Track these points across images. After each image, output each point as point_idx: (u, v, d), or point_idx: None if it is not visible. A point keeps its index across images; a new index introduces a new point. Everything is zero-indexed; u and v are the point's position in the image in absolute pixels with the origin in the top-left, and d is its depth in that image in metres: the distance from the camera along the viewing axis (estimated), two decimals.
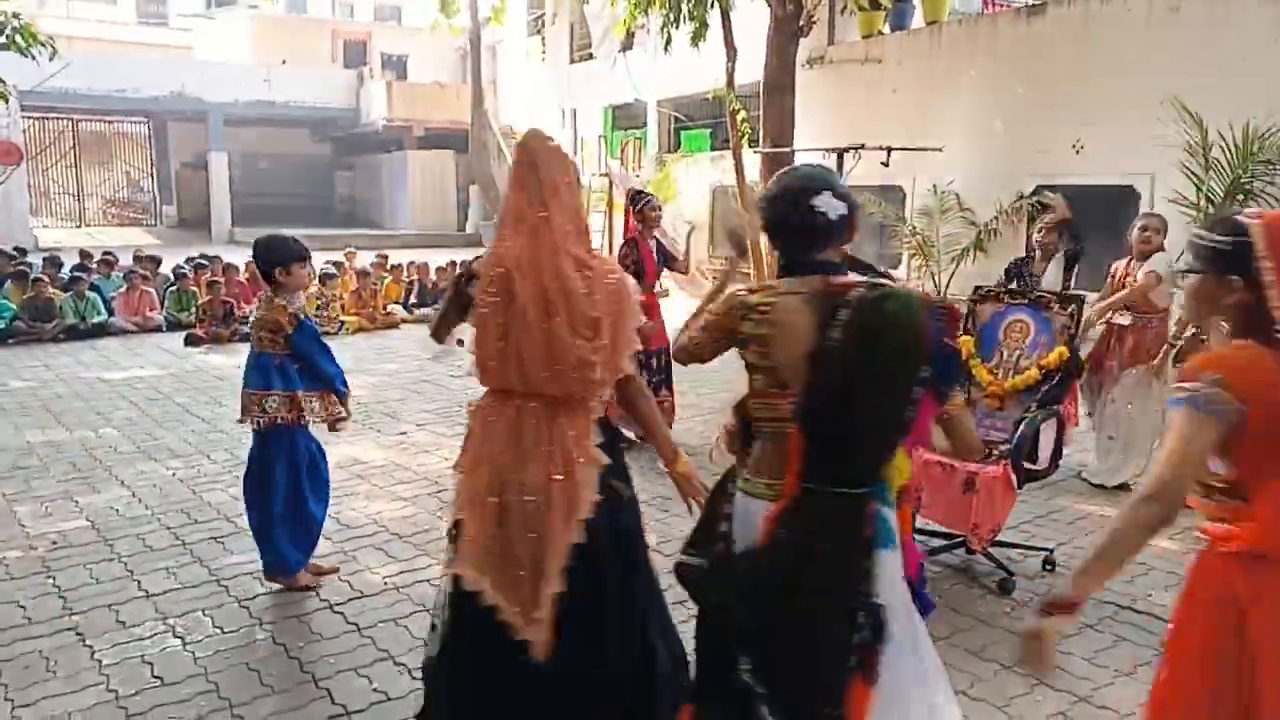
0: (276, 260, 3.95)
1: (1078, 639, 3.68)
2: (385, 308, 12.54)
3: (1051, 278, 5.54)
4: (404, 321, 12.45)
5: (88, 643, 3.62)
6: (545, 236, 2.49)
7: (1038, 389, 4.27)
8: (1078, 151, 11.25)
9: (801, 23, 13.73)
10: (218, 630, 3.73)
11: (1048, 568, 4.33)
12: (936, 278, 12.74)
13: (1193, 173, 9.16)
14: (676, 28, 15.51)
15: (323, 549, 4.55)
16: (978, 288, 4.79)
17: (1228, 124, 9.11)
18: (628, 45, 20.76)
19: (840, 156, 11.99)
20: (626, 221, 6.41)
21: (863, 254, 10.07)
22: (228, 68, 27.23)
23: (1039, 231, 5.90)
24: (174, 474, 5.84)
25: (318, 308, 11.60)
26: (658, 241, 6.56)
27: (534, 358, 2.45)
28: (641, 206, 6.44)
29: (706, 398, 7.78)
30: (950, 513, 4.10)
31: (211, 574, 4.31)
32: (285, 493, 4.04)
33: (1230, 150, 8.95)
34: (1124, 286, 5.58)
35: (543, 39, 25.08)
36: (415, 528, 4.87)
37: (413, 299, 13.07)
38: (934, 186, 12.87)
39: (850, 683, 2.08)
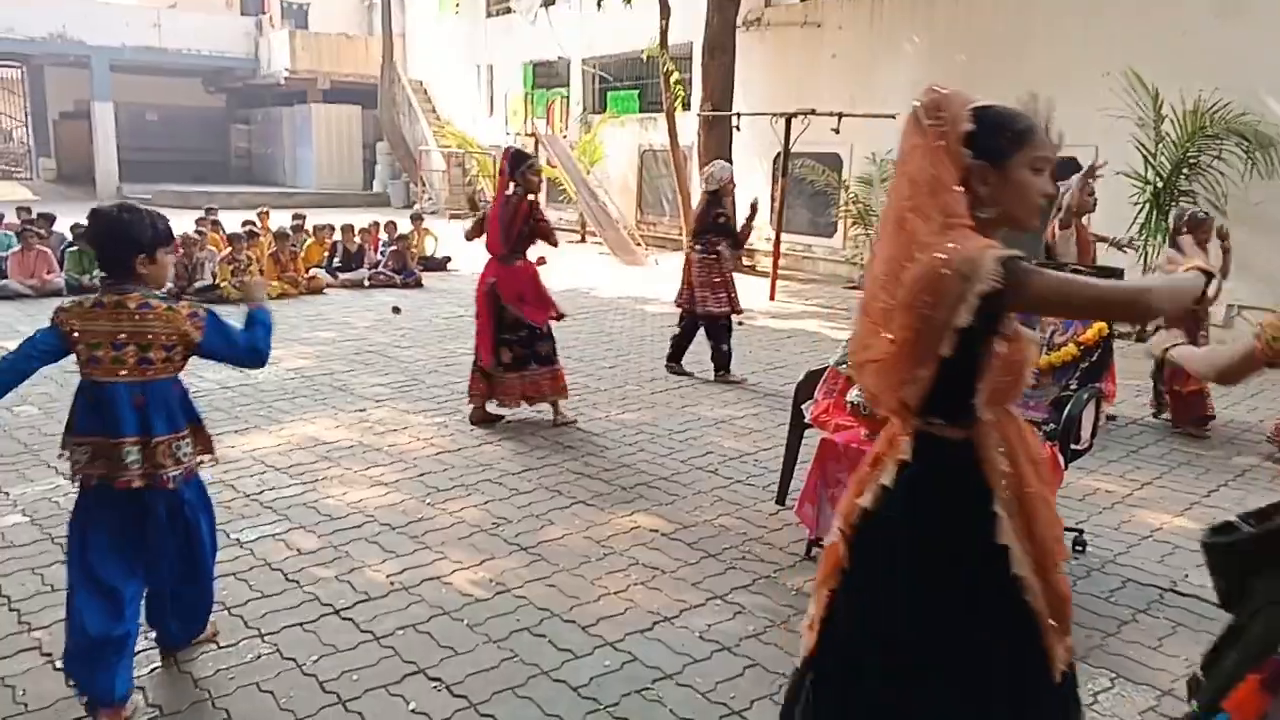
0: (135, 245, 2.78)
1: (1134, 627, 3.57)
2: (307, 271, 11.80)
3: None
4: (329, 286, 11.74)
5: (58, 666, 3.12)
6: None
7: (1075, 366, 4.13)
8: None
9: None
10: (212, 644, 3.28)
11: (1078, 549, 4.22)
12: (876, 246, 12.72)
13: (1143, 146, 9.27)
14: None
15: (309, 544, 4.11)
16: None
17: (1171, 97, 9.26)
18: (550, 0, 20.07)
19: (788, 122, 11.78)
20: (500, 182, 5.99)
21: (800, 221, 9.85)
22: (113, 9, 25.29)
23: None
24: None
25: (232, 272, 10.83)
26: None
27: None
28: (524, 170, 5.94)
29: (603, 372, 7.50)
30: None
31: None
32: (210, 541, 3.14)
33: (1180, 124, 9.08)
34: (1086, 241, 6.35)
35: None
36: (406, 516, 4.45)
37: (336, 261, 12.34)
38: (873, 154, 12.83)
39: None
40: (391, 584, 3.76)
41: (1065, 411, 3.91)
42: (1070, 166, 10.82)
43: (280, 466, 5.14)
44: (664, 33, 15.24)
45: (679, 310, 7.57)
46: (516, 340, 5.91)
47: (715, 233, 7.29)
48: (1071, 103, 10.59)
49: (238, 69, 27.41)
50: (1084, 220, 6.48)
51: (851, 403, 3.91)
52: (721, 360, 7.38)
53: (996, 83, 11.44)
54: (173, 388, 2.90)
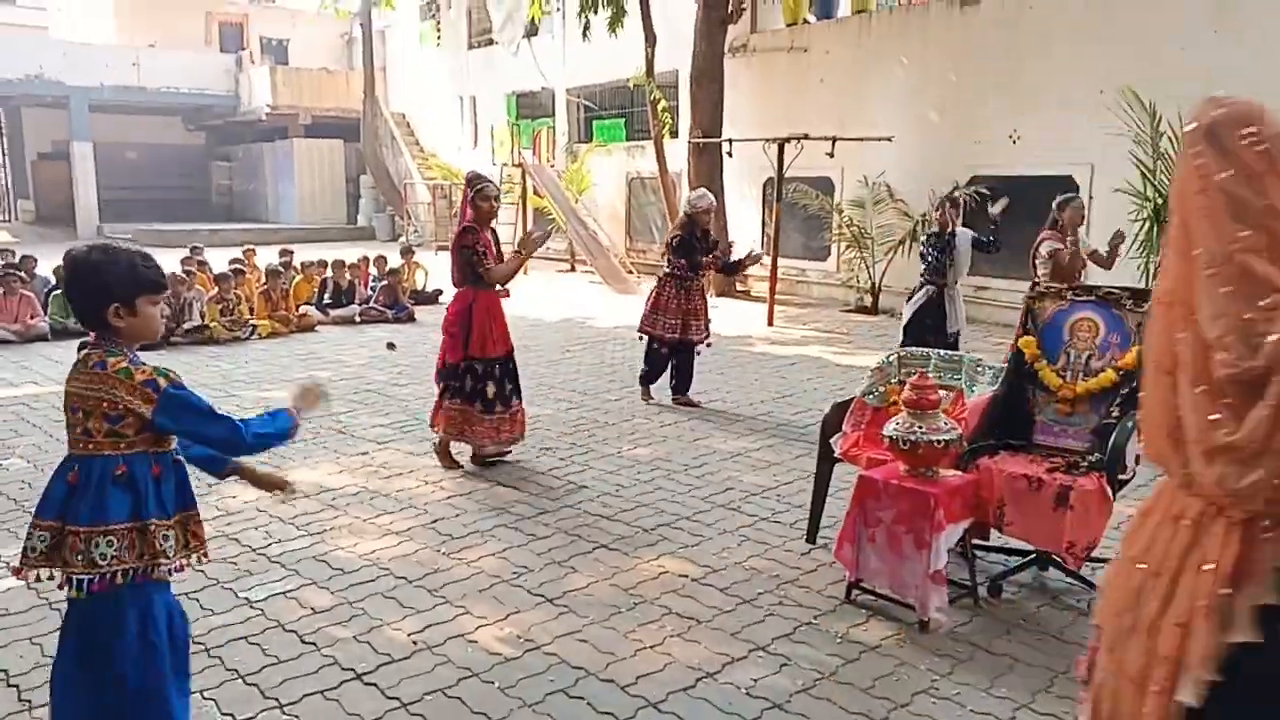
0: (105, 293, 2.33)
1: None
2: (298, 308, 11.59)
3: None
4: (320, 323, 11.54)
5: None
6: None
7: (1115, 392, 3.99)
8: (1014, 142, 11.30)
9: (730, 8, 13.41)
10: (228, 717, 3.07)
11: None
12: (871, 269, 12.66)
13: (1141, 163, 9.22)
14: (595, 12, 14.99)
15: (323, 601, 3.90)
16: (1034, 284, 4.51)
17: (1169, 114, 9.21)
18: (532, 31, 20.06)
19: (781, 147, 11.72)
20: (462, 209, 5.73)
21: (793, 245, 9.73)
22: (91, 49, 25.13)
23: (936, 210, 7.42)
24: None
25: (221, 312, 10.62)
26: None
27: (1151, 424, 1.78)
28: (473, 196, 5.52)
29: (565, 407, 7.33)
30: (1040, 530, 3.78)
31: (192, 638, 3.59)
32: (136, 687, 2.40)
33: (1176, 140, 9.02)
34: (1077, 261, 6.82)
35: (437, 23, 24.06)
36: (422, 567, 4.25)
37: (326, 298, 12.13)
38: (864, 178, 12.79)
39: None
40: (414, 643, 3.55)
41: (1111, 441, 3.77)
42: (1067, 187, 10.83)
43: (285, 517, 4.92)
44: (650, 61, 15.23)
45: (657, 338, 7.31)
46: (487, 373, 5.66)
47: (678, 253, 7.17)
48: (1066, 121, 10.62)
49: (218, 106, 27.26)
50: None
51: (889, 437, 3.75)
52: (687, 385, 7.36)
53: (990, 102, 11.45)
54: (114, 468, 2.34)
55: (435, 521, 4.84)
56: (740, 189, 14.52)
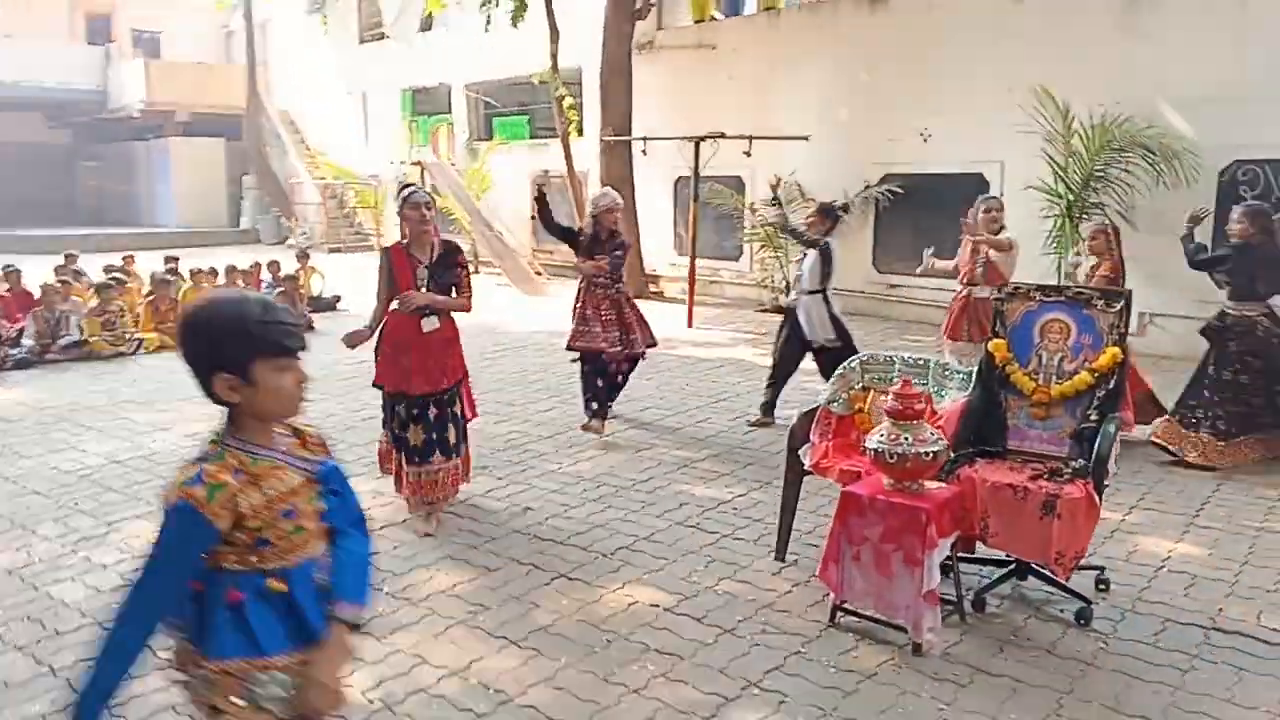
0: (208, 357, 1.85)
1: (1197, 676, 3.31)
2: None
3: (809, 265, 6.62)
4: None
5: None
6: None
7: (1091, 394, 3.89)
8: (925, 140, 11.41)
9: (639, 3, 13.18)
10: None
11: (1101, 587, 3.97)
12: (785, 268, 12.62)
13: (1053, 160, 9.39)
14: (496, 5, 14.55)
15: None
16: (1001, 285, 4.39)
17: (1078, 112, 9.43)
18: (427, 25, 19.41)
19: (697, 146, 11.55)
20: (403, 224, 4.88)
21: (706, 245, 9.38)
22: None
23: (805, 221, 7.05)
24: (32, 545, 4.43)
25: (103, 325, 9.80)
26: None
27: None
28: (400, 205, 4.80)
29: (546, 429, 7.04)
30: (1027, 541, 3.65)
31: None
32: None
33: (1086, 138, 9.24)
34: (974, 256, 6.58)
35: (324, 17, 23.06)
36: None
37: None
38: (777, 177, 12.70)
39: None
40: (370, 702, 3.16)
41: (1096, 448, 3.66)
42: (978, 185, 10.99)
43: None
44: (555, 57, 14.85)
45: (591, 355, 6.47)
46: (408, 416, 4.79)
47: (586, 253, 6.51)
48: (978, 120, 10.75)
49: (84, 102, 25.52)
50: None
51: (874, 450, 3.55)
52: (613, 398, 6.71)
53: (902, 100, 11.51)
54: None
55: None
56: (652, 189, 14.29)
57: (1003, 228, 6.57)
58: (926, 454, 3.49)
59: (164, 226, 24.40)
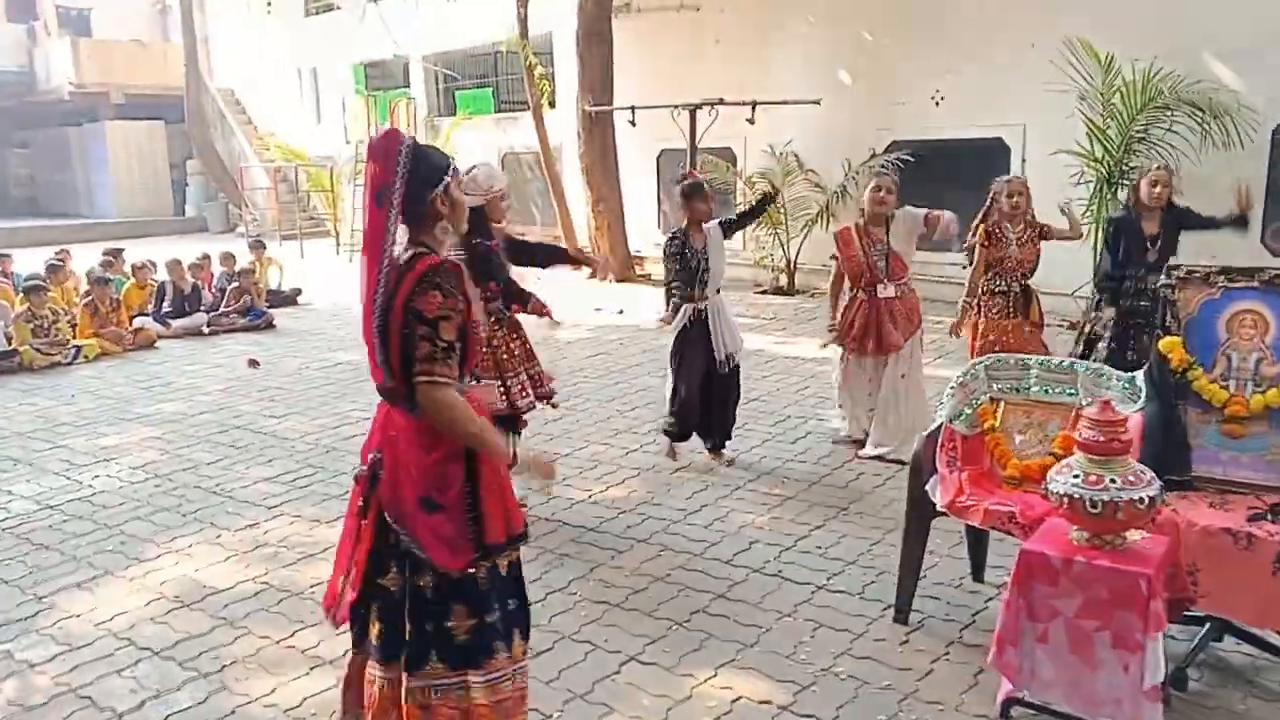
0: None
1: None
2: (131, 321, 9.66)
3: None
4: (161, 338, 9.64)
5: None
6: None
7: None
8: (937, 103, 10.55)
9: None
10: None
11: None
12: (786, 245, 11.75)
13: (1090, 121, 8.58)
14: None
15: None
16: (1172, 268, 3.51)
17: (1124, 67, 8.61)
18: None
19: (693, 114, 10.60)
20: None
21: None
22: None
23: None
24: None
25: (34, 332, 8.63)
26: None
27: None
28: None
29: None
30: (1255, 603, 2.80)
31: None
32: None
33: (1128, 96, 8.43)
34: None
35: None
36: None
37: (166, 306, 10.18)
38: (771, 147, 11.82)
39: None
40: None
41: None
42: (997, 150, 10.18)
43: (159, 647, 3.44)
44: (524, 22, 13.75)
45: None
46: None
47: (486, 276, 4.23)
48: (997, 79, 9.91)
49: (9, 83, 23.77)
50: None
51: (1066, 496, 2.67)
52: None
53: (909, 63, 10.64)
54: None
55: None
56: (634, 163, 13.32)
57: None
58: (1140, 500, 2.61)
59: (105, 217, 22.86)
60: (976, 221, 5.55)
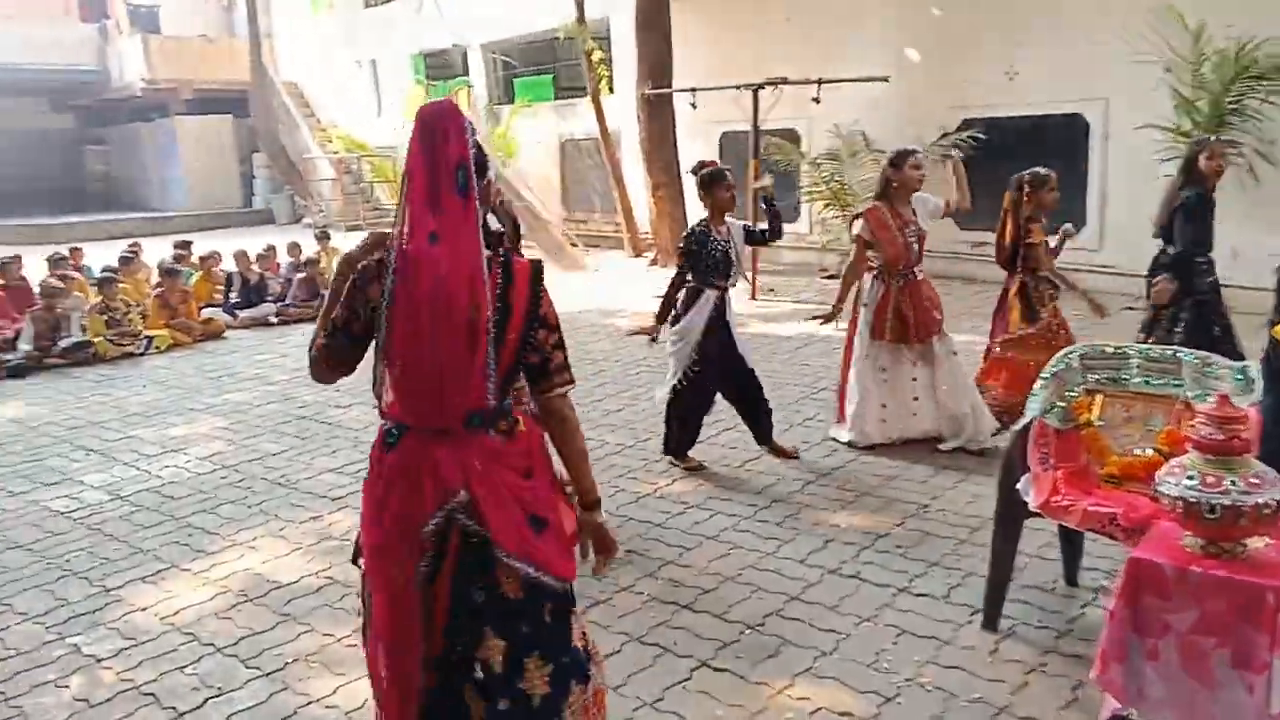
0: None
1: None
2: (200, 312, 9.79)
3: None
4: (230, 328, 9.76)
5: None
6: None
7: None
8: (1011, 79, 10.15)
9: None
10: None
11: None
12: (850, 229, 11.44)
13: (1179, 92, 8.14)
14: None
15: None
16: None
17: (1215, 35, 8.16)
18: None
19: (755, 94, 10.36)
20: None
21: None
22: None
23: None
24: (11, 627, 3.44)
25: (107, 323, 8.78)
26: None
27: None
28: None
29: None
30: None
31: None
32: None
33: (1217, 65, 7.98)
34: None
35: None
36: None
37: (234, 297, 10.32)
38: (836, 127, 11.52)
39: None
40: None
41: None
42: (1075, 127, 9.75)
43: (222, 644, 3.39)
44: (581, 7, 13.64)
45: None
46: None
47: None
48: (1076, 52, 9.47)
49: (85, 83, 24.42)
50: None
51: (1180, 500, 2.44)
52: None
53: (982, 37, 10.24)
54: None
55: None
56: (691, 148, 13.08)
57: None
58: (1267, 505, 2.38)
59: (176, 210, 23.40)
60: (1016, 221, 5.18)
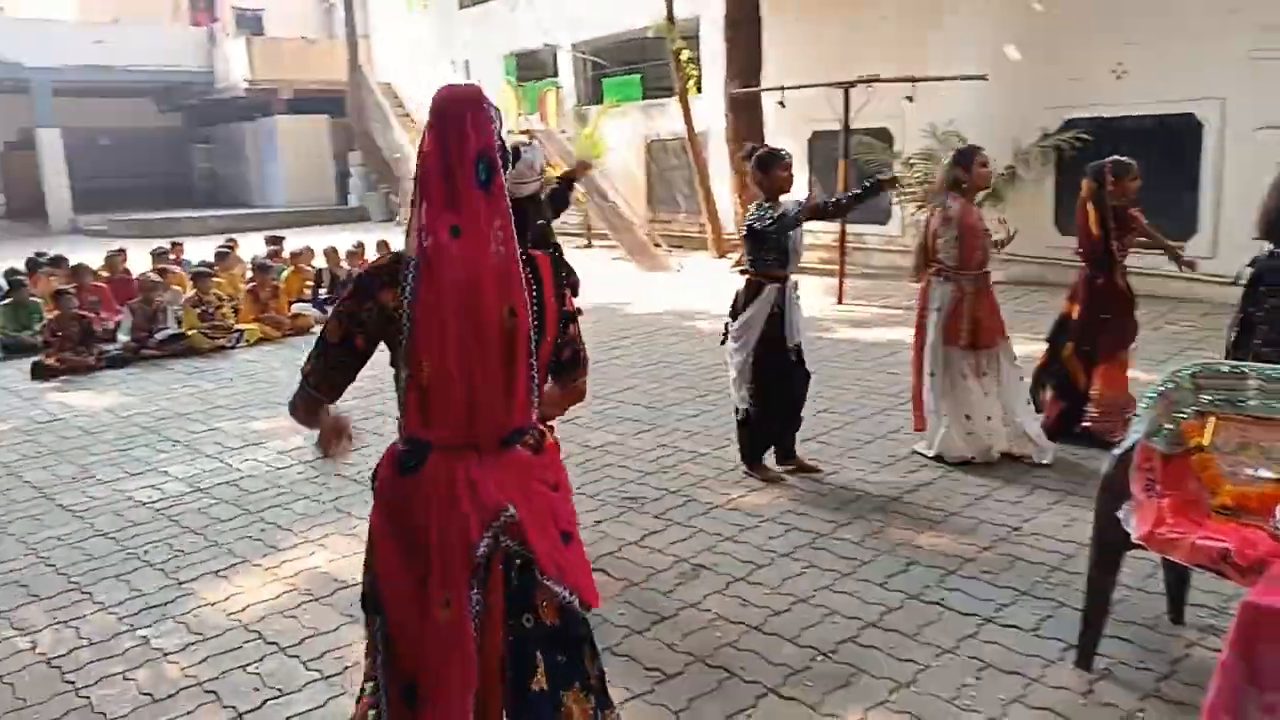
0: None
1: None
2: (290, 307, 10.00)
3: None
4: (318, 324, 9.93)
5: None
6: None
7: None
8: (1119, 77, 9.65)
9: None
10: None
11: None
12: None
13: None
14: None
15: None
16: None
17: None
18: None
19: (846, 93, 10.09)
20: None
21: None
22: (50, 27, 23.29)
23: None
24: (86, 616, 3.52)
25: (200, 316, 9.03)
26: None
27: None
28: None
29: None
30: None
31: None
32: None
33: None
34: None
35: None
36: None
37: (323, 292, 10.52)
38: (931, 125, 11.14)
39: None
40: None
41: None
42: (1188, 128, 9.21)
43: (286, 644, 3.38)
44: (670, 6, 13.53)
45: None
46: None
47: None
48: (1190, 48, 8.94)
49: (193, 84, 25.43)
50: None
51: None
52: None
53: (1089, 30, 9.77)
54: None
55: None
56: (785, 146, 12.82)
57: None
58: None
59: (275, 206, 24.18)
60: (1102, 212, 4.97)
